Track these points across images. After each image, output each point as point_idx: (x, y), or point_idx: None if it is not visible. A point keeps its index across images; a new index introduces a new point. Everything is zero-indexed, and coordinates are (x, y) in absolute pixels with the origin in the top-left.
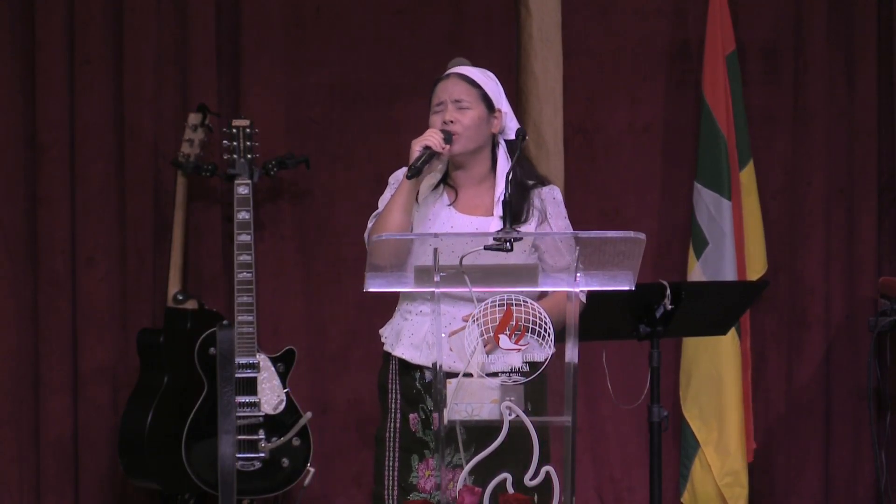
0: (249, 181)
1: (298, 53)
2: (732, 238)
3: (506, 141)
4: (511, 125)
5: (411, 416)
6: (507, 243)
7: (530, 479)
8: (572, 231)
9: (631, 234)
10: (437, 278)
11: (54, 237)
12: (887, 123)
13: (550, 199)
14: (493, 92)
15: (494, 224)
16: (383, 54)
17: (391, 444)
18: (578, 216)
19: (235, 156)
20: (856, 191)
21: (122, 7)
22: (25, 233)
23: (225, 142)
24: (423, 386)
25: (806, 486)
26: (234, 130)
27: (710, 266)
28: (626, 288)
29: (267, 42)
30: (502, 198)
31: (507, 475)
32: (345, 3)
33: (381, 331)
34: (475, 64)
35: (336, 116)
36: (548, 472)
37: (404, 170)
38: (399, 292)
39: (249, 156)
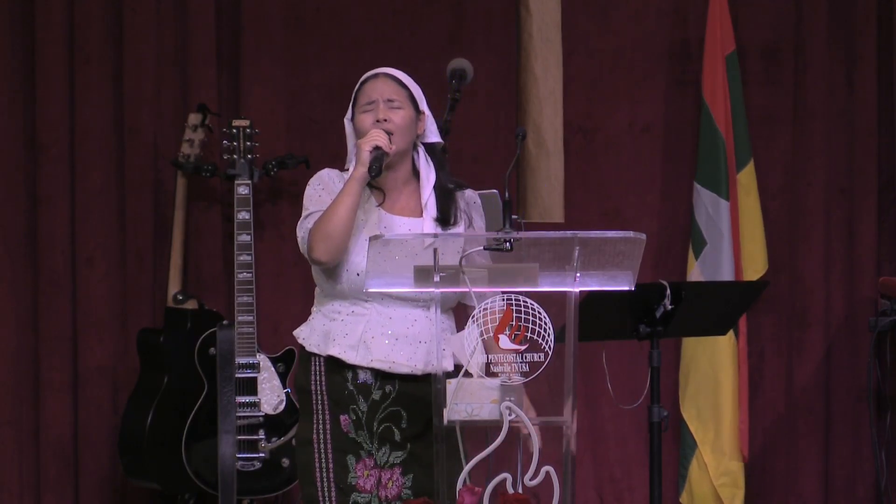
0: (249, 181)
1: (298, 53)
2: (730, 238)
3: (424, 144)
4: (432, 128)
5: (342, 417)
6: (507, 243)
7: (530, 479)
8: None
9: (631, 234)
10: (436, 278)
11: (54, 237)
12: (887, 123)
13: (472, 203)
14: (418, 94)
15: (427, 225)
16: (383, 54)
17: (321, 445)
18: (578, 216)
19: (235, 156)
20: (856, 191)
21: (122, 7)
22: (25, 233)
23: (225, 142)
24: (355, 387)
25: (805, 486)
26: (234, 130)
27: (709, 266)
28: (626, 288)
29: (267, 42)
30: (432, 200)
31: (506, 475)
32: (345, 3)
33: (296, 332)
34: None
35: (336, 116)
36: (548, 472)
37: (329, 171)
38: (319, 291)
39: (249, 156)
